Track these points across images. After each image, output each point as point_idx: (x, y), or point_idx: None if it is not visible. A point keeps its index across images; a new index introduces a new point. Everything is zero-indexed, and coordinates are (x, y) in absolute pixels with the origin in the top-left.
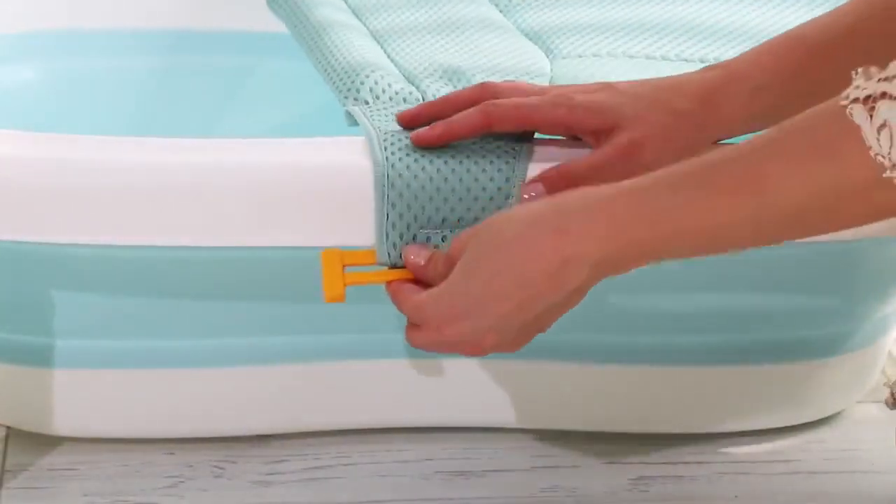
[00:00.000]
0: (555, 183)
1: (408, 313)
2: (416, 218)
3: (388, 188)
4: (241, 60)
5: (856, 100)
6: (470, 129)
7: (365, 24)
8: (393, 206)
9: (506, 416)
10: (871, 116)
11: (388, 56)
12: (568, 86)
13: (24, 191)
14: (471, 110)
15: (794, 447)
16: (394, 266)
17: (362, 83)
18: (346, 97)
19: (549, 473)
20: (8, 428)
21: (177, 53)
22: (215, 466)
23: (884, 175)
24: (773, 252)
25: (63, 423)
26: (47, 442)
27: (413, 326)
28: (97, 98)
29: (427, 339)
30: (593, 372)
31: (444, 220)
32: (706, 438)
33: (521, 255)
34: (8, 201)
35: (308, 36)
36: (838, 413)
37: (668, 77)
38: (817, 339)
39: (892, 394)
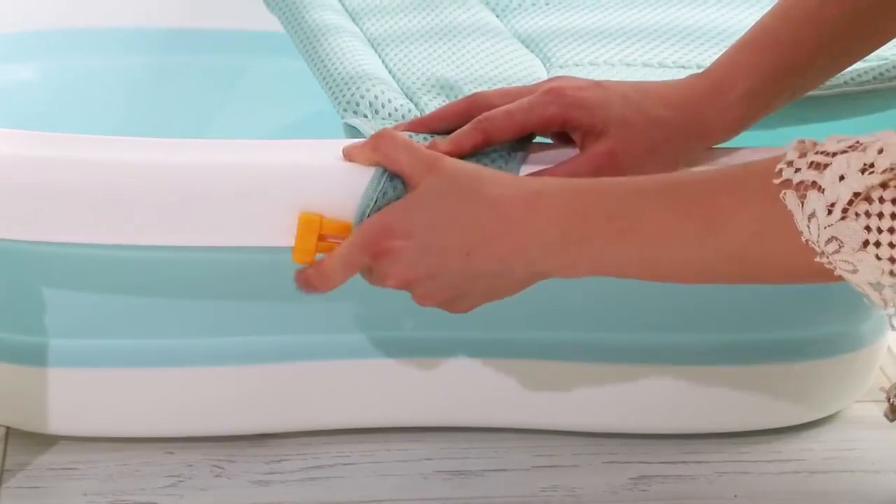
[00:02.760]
0: None
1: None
2: None
3: (383, 177)
4: (239, 59)
5: (788, 182)
6: (470, 146)
7: (362, 30)
8: (384, 194)
9: (506, 416)
10: (801, 204)
11: (386, 66)
12: (559, 79)
13: (21, 190)
14: (466, 128)
15: (794, 447)
16: None
17: (362, 97)
18: (345, 109)
19: (548, 473)
20: (7, 427)
21: (174, 52)
22: (215, 466)
23: (815, 259)
24: None
25: (62, 422)
26: (47, 441)
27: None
28: (93, 97)
29: (368, 245)
30: (593, 372)
31: None
32: (706, 438)
33: (488, 209)
34: (4, 200)
35: (306, 40)
36: (838, 413)
37: (655, 82)
38: (816, 339)
39: (892, 404)
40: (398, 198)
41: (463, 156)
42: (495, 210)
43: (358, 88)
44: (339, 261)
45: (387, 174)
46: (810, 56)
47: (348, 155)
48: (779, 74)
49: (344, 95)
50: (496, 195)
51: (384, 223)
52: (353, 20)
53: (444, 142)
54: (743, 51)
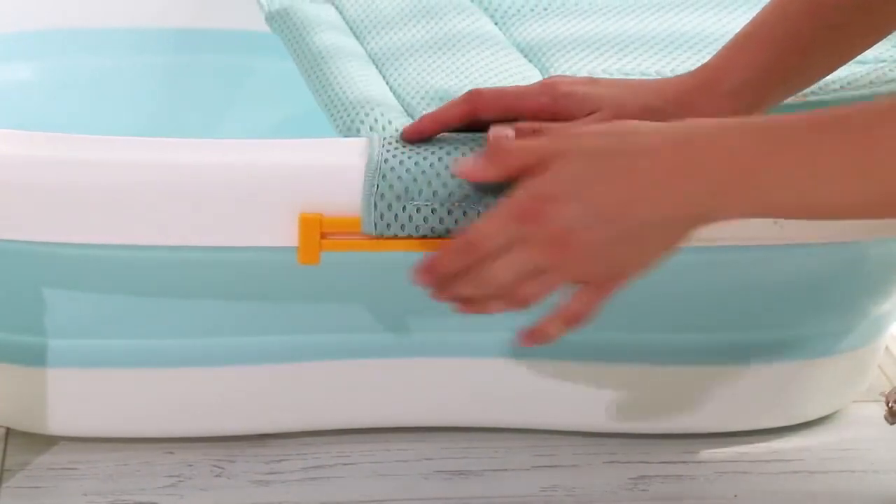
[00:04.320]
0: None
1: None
2: (406, 190)
3: (380, 161)
4: (241, 60)
5: None
6: (456, 116)
7: (363, 46)
8: (384, 177)
9: (506, 416)
10: None
11: (388, 83)
12: (554, 76)
13: (21, 190)
14: (456, 99)
15: (794, 447)
16: (379, 237)
17: (362, 121)
18: (346, 136)
19: (548, 473)
20: (7, 427)
21: (175, 53)
22: (215, 466)
23: None
24: (771, 252)
25: (62, 422)
26: (47, 441)
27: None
28: (93, 97)
29: (518, 211)
30: (593, 372)
31: (434, 194)
32: (706, 438)
33: (644, 159)
34: (4, 200)
35: (308, 65)
36: (837, 413)
37: (649, 80)
38: (814, 339)
39: (891, 408)
40: (401, 163)
41: (449, 124)
42: (649, 158)
43: (357, 114)
44: (486, 231)
45: (382, 141)
46: (806, 49)
47: (471, 174)
48: (773, 68)
49: (344, 121)
50: (647, 145)
51: (534, 191)
52: (356, 36)
53: (432, 113)
54: (738, 46)
